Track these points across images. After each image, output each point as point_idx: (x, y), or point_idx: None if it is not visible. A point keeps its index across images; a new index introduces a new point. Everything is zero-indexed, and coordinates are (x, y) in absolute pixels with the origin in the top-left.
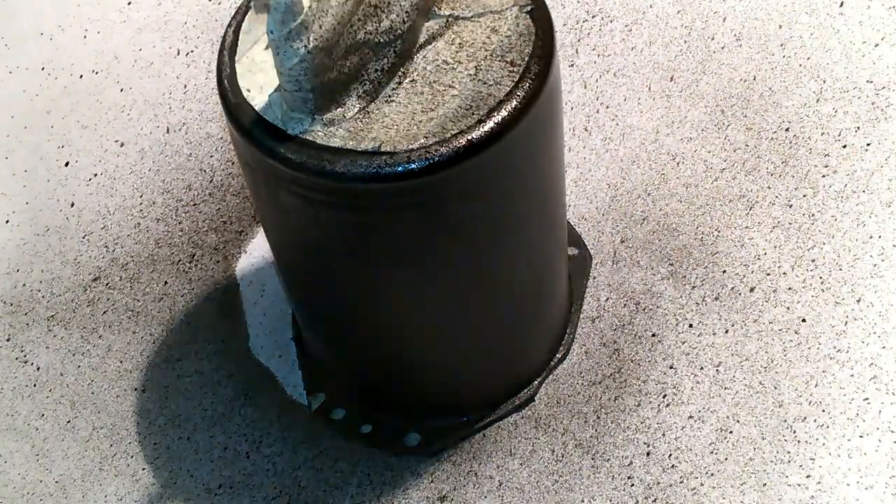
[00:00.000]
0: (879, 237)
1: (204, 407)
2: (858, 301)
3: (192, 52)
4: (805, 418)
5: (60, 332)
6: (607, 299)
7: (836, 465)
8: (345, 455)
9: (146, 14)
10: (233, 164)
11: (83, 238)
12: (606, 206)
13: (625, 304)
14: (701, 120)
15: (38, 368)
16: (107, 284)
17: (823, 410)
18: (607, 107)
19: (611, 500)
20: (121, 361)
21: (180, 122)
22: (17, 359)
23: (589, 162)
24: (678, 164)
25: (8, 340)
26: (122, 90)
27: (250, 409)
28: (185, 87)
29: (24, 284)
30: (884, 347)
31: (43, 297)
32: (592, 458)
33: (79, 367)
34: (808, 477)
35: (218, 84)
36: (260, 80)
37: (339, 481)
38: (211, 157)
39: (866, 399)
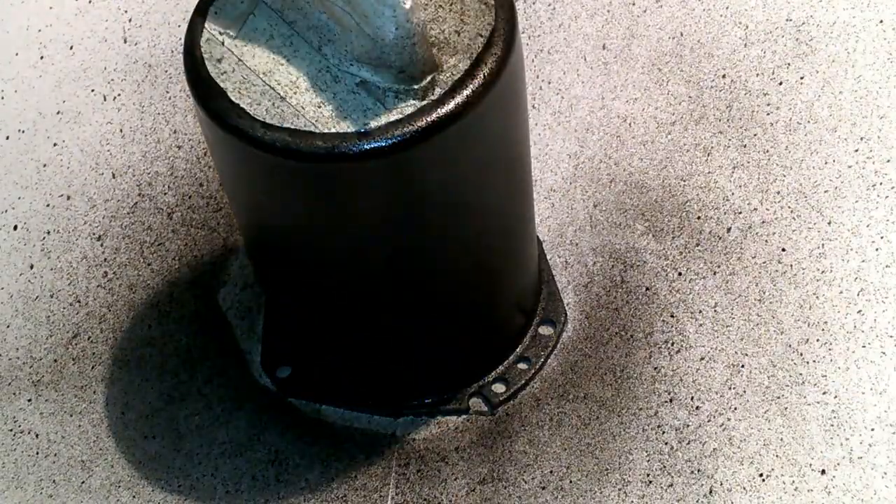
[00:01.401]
0: (833, 161)
1: (221, 440)
2: (829, 223)
3: (118, 96)
4: (808, 340)
5: (51, 395)
6: (594, 263)
7: (847, 378)
8: (377, 458)
9: (62, 66)
10: (190, 197)
11: (51, 297)
12: (572, 175)
13: (612, 265)
14: (641, 80)
15: (38, 436)
16: (88, 339)
17: (823, 329)
18: (549, 83)
19: (647, 451)
20: (122, 412)
21: (125, 166)
22: (10, 430)
23: (545, 137)
24: (630, 124)
25: None
26: (54, 144)
27: (269, 434)
28: (122, 130)
29: (8, 357)
30: (863, 261)
31: (24, 363)
32: (619, 416)
33: (80, 426)
34: (824, 394)
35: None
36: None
37: (377, 484)
38: (165, 194)
39: (860, 311)
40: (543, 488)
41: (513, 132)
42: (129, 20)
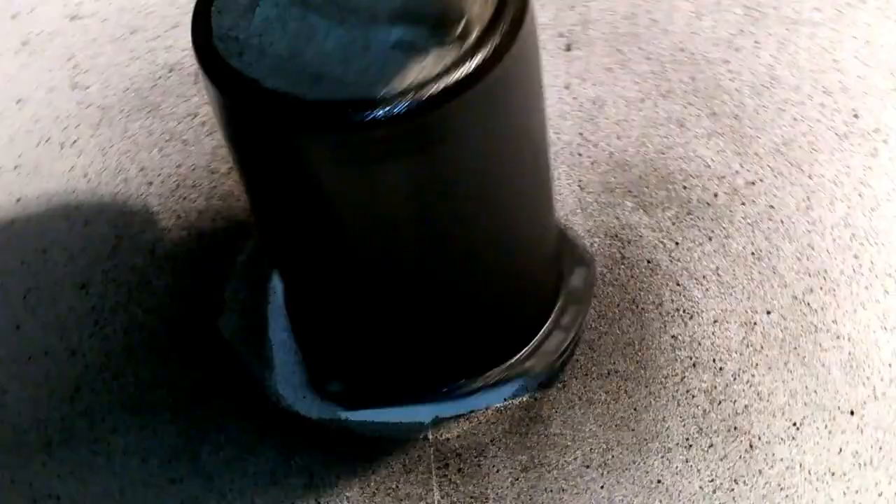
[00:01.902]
0: (802, 117)
1: (252, 472)
2: (810, 177)
3: (76, 142)
4: (812, 290)
5: (65, 454)
6: (591, 244)
7: (856, 320)
8: (414, 465)
9: (11, 121)
10: (169, 231)
11: (45, 355)
12: (553, 162)
13: (610, 244)
14: (603, 63)
15: (59, 498)
16: (92, 391)
17: (824, 278)
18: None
19: (681, 416)
20: (143, 460)
21: (96, 211)
22: (31, 498)
23: None
24: (601, 106)
25: (12, 483)
26: (18, 200)
27: (300, 458)
28: (86, 175)
29: (2, 421)
30: (849, 208)
31: (30, 426)
32: (647, 387)
33: (101, 481)
34: (838, 338)
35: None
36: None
37: (420, 491)
38: (143, 233)
39: (855, 256)
40: (587, 467)
41: (538, 86)
42: (75, 66)
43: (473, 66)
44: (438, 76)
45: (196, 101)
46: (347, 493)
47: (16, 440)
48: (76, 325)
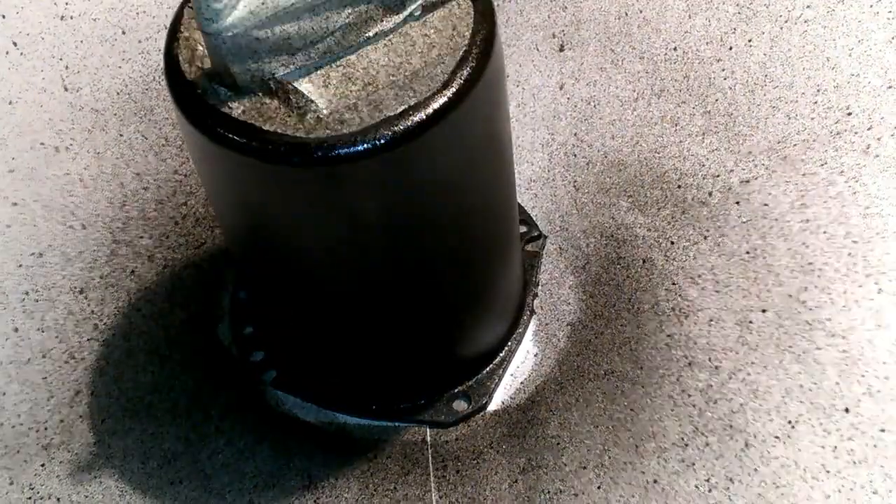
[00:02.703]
0: (796, 115)
1: (251, 474)
2: (804, 175)
3: (70, 146)
4: (806, 288)
5: (64, 456)
6: (587, 245)
7: (851, 318)
8: (412, 467)
9: (4, 122)
10: (167, 237)
11: (43, 358)
12: (548, 163)
13: (606, 244)
14: (596, 63)
15: (59, 500)
16: (91, 394)
17: (818, 276)
18: (507, 77)
19: (677, 416)
20: (142, 462)
21: (92, 216)
22: (29, 499)
23: (514, 130)
24: (594, 106)
25: (11, 484)
26: (14, 204)
27: (298, 459)
28: (82, 180)
29: (1, 424)
30: (843, 206)
31: (29, 428)
32: (643, 386)
33: (101, 483)
34: (832, 336)
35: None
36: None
37: (418, 492)
38: (141, 238)
39: (849, 254)
40: (584, 468)
41: (504, 109)
42: (66, 67)
43: (442, 101)
44: (406, 112)
45: None
46: (346, 495)
47: (15, 442)
48: (75, 329)
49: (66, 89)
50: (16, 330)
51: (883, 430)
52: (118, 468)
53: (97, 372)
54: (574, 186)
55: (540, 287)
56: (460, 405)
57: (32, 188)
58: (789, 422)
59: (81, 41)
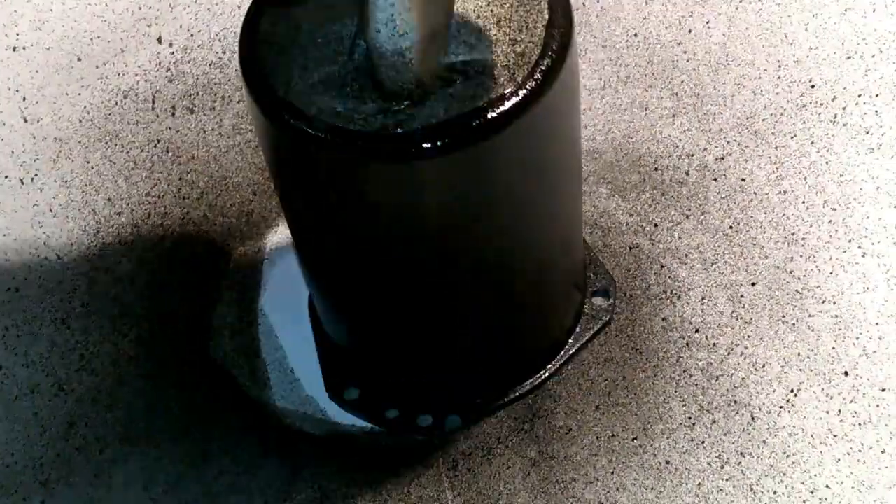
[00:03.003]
0: (761, 91)
1: (260, 490)
2: (776, 148)
3: (35, 176)
4: (792, 258)
5: (64, 490)
6: None
7: (839, 283)
8: (423, 469)
9: None
10: (147, 261)
11: (32, 393)
12: None
13: (591, 232)
14: None
15: None
16: (86, 424)
17: (802, 245)
18: None
19: (681, 396)
20: (145, 488)
21: (67, 245)
22: None
23: None
24: None
25: None
26: None
27: (308, 472)
28: (51, 210)
29: (6, 465)
30: (818, 175)
31: (24, 466)
32: (644, 371)
33: None
34: (823, 303)
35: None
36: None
37: (432, 493)
38: (119, 263)
39: (830, 221)
40: (595, 455)
41: (575, 118)
42: (24, 98)
43: (521, 96)
44: (483, 108)
45: (156, 128)
46: (359, 502)
47: (11, 481)
48: (61, 361)
49: (25, 121)
50: (0, 367)
51: (883, 390)
52: (122, 498)
53: (89, 402)
54: None
55: None
56: None
57: (1, 222)
58: (791, 391)
59: (37, 71)
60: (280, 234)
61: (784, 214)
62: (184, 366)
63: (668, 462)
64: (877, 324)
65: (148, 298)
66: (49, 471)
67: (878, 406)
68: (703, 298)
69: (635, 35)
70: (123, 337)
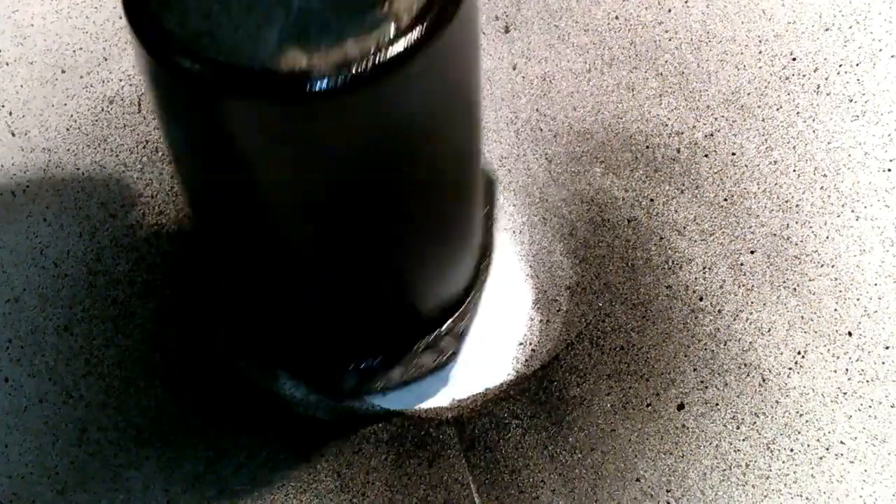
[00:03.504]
0: (744, 66)
1: (279, 483)
2: (763, 120)
3: (27, 188)
4: (788, 225)
5: (82, 497)
6: (570, 212)
7: (835, 247)
8: (442, 449)
9: None
10: (144, 259)
11: (40, 403)
12: (516, 140)
13: (588, 209)
14: (544, 40)
15: None
16: (98, 429)
17: (796, 212)
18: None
19: (691, 361)
20: (165, 489)
21: (63, 252)
22: None
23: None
24: (550, 81)
25: None
26: None
27: (326, 460)
28: (45, 219)
29: (9, 476)
30: (807, 144)
31: (39, 476)
32: (652, 338)
33: None
34: (821, 266)
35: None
36: None
37: (456, 476)
38: (117, 266)
39: (822, 187)
40: (611, 424)
41: (474, 60)
42: (10, 113)
43: (415, 37)
44: (376, 50)
45: (143, 129)
46: (380, 487)
47: (27, 491)
48: (66, 367)
49: (13, 134)
50: (6, 380)
51: (887, 348)
52: (142, 501)
53: (99, 406)
54: (546, 159)
55: (533, 257)
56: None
57: None
58: (798, 352)
59: (21, 85)
60: None
61: (777, 184)
62: (191, 363)
63: (684, 426)
64: (875, 284)
65: (148, 298)
66: (65, 478)
67: (883, 363)
68: (704, 267)
69: (616, 18)
70: (127, 338)
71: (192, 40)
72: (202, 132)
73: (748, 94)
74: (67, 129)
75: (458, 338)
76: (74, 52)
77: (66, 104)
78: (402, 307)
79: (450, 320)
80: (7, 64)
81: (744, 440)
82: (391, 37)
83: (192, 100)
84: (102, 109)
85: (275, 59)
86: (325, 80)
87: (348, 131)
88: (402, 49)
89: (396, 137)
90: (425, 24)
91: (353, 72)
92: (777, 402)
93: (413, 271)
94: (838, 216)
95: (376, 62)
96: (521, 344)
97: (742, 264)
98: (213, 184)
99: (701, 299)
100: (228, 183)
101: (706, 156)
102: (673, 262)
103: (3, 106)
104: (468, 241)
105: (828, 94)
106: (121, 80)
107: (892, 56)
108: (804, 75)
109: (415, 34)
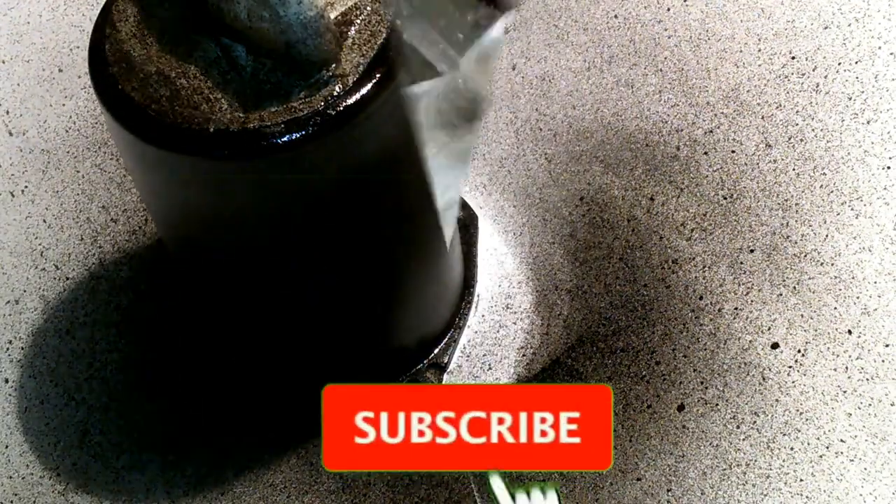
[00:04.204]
0: (743, 63)
1: (281, 485)
2: (762, 117)
3: (26, 188)
4: (787, 223)
5: (84, 499)
6: (570, 213)
7: (835, 245)
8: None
9: None
10: (148, 265)
11: (41, 405)
12: (515, 140)
13: (587, 209)
14: (543, 39)
15: None
16: (100, 432)
17: (796, 210)
18: None
19: (691, 361)
20: (168, 492)
21: (64, 255)
22: None
23: None
24: (549, 81)
25: None
26: None
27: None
28: (45, 221)
29: (10, 477)
30: (804, 142)
31: (41, 478)
32: (651, 340)
33: None
34: (821, 265)
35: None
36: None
37: (456, 472)
38: (119, 270)
39: (821, 185)
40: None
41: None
42: (7, 112)
43: (361, 94)
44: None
45: None
46: (382, 488)
47: (29, 493)
48: (68, 371)
49: (10, 134)
50: (6, 381)
51: (887, 346)
52: (143, 502)
53: (101, 409)
54: (546, 159)
55: (533, 259)
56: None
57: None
58: (798, 350)
59: (18, 84)
60: None
61: (776, 182)
62: (192, 366)
63: (684, 426)
64: (875, 282)
65: (151, 304)
66: (67, 480)
67: (883, 361)
68: (704, 266)
69: (615, 16)
70: (130, 343)
71: (151, 104)
72: (165, 190)
73: (748, 91)
74: (66, 131)
75: (437, 374)
76: (71, 50)
77: (64, 104)
78: (374, 347)
79: (430, 356)
80: (3, 62)
81: (744, 439)
82: (337, 95)
83: (154, 160)
84: (101, 111)
85: (230, 119)
86: (277, 138)
87: (302, 184)
88: (348, 104)
89: (349, 188)
90: (371, 82)
91: (303, 129)
92: (777, 400)
93: (382, 312)
94: (838, 214)
95: (325, 119)
96: (521, 348)
97: (742, 262)
98: (181, 236)
99: (701, 298)
100: (194, 236)
101: (706, 153)
102: (673, 261)
103: (0, 105)
104: (439, 278)
105: (827, 93)
106: None
107: (892, 54)
108: (803, 74)
109: (361, 91)
